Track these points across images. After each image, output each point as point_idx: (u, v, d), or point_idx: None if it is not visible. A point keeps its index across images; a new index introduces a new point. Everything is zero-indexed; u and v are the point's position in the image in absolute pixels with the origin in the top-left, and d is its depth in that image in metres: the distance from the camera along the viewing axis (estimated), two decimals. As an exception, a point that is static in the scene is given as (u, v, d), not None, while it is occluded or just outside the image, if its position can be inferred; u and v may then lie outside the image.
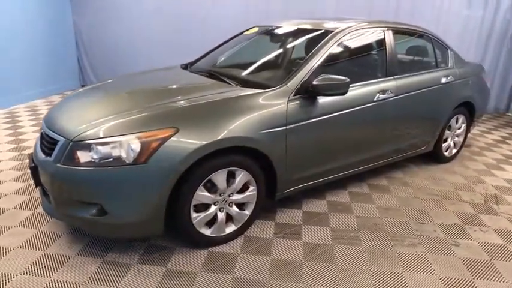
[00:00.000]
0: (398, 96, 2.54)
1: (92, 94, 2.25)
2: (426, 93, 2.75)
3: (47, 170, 1.71)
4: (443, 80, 2.91)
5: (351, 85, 2.20)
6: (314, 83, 1.99)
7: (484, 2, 4.98)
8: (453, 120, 3.15)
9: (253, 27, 3.00)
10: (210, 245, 1.95)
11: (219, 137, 1.73)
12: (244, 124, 1.82)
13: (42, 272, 1.72)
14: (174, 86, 2.25)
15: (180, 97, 1.94)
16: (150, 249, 1.92)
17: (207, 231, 1.90)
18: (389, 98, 2.48)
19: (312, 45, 2.31)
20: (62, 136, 1.72)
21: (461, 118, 3.22)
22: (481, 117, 3.72)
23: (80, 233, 2.02)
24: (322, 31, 2.41)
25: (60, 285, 1.65)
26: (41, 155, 1.80)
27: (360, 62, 2.59)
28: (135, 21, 5.68)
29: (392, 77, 2.55)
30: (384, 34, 2.58)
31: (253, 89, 2.02)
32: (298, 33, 2.65)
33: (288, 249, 1.97)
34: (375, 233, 2.16)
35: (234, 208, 1.96)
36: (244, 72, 2.43)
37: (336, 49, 2.30)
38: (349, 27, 2.40)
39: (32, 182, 2.57)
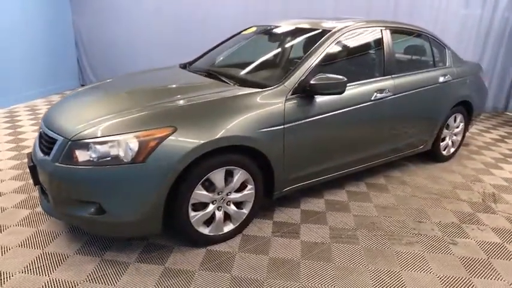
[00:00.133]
0: (395, 96, 2.54)
1: (91, 94, 2.26)
2: (424, 93, 2.76)
3: (45, 169, 1.72)
4: (441, 79, 2.91)
5: (348, 84, 2.22)
6: (311, 82, 2.00)
7: (482, 0, 4.98)
8: (451, 119, 3.16)
9: (251, 27, 3.01)
10: (208, 244, 1.96)
11: (217, 136, 1.74)
12: (242, 123, 1.83)
13: (40, 271, 1.73)
14: (172, 86, 2.26)
15: (178, 96, 1.95)
16: (149, 248, 1.93)
17: (205, 230, 1.91)
18: (386, 97, 2.48)
19: (310, 44, 2.32)
20: (60, 135, 1.73)
21: (459, 117, 3.23)
22: (479, 116, 3.73)
23: (79, 232, 2.03)
24: (320, 30, 2.41)
25: (58, 283, 1.66)
26: (40, 154, 1.81)
27: (358, 61, 2.60)
28: (134, 21, 5.69)
29: (389, 76, 2.56)
30: (382, 33, 2.59)
31: (251, 88, 2.03)
32: (296, 32, 2.65)
33: (286, 248, 1.97)
34: (373, 231, 2.17)
35: (232, 207, 1.97)
36: (242, 72, 2.43)
37: (333, 48, 2.30)
38: (346, 27, 2.40)
39: (31, 181, 2.58)
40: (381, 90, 2.45)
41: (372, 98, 2.39)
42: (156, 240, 1.99)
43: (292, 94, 2.04)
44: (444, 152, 3.27)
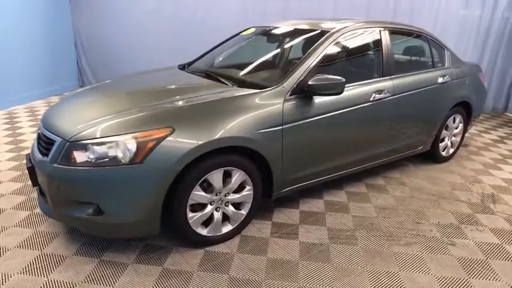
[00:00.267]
0: (394, 96, 2.55)
1: (89, 95, 2.26)
2: (422, 93, 2.76)
3: (44, 170, 1.72)
4: (440, 80, 2.91)
5: (347, 85, 2.22)
6: (310, 82, 2.00)
7: (481, 1, 4.99)
8: (450, 120, 3.16)
9: (250, 28, 3.02)
10: (206, 245, 1.96)
11: (215, 137, 1.74)
12: (240, 124, 1.83)
13: (39, 272, 1.73)
14: (171, 87, 2.27)
15: (176, 97, 1.95)
16: (147, 248, 1.93)
17: (204, 231, 1.91)
18: (385, 97, 2.48)
19: (309, 45, 2.32)
20: (58, 136, 1.73)
21: (458, 118, 3.23)
22: (478, 116, 3.73)
23: (77, 233, 2.03)
24: (319, 31, 2.42)
25: (56, 284, 1.66)
26: (38, 155, 1.81)
27: (356, 62, 2.60)
28: (133, 22, 5.70)
29: (388, 77, 2.56)
30: (380, 34, 2.59)
31: (249, 89, 2.03)
32: (295, 33, 2.66)
33: (285, 249, 1.97)
34: (371, 232, 2.17)
35: (231, 208, 1.97)
36: (241, 73, 2.44)
37: (332, 49, 2.31)
38: (345, 28, 2.41)
39: (29, 182, 2.58)
40: (379, 91, 2.45)
41: (371, 99, 2.40)
42: (154, 241, 1.99)
43: (290, 95, 2.04)
44: (443, 153, 3.27)
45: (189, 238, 1.89)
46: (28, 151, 3.17)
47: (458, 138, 3.36)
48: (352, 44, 2.49)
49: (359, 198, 2.59)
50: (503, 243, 2.12)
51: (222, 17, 5.40)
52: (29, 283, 1.65)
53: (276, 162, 2.00)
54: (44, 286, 1.64)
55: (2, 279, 1.67)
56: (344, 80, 2.00)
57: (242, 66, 2.51)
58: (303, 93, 2.06)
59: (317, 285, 1.71)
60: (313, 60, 2.16)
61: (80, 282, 1.67)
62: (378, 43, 2.58)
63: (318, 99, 2.13)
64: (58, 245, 1.93)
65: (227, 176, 1.89)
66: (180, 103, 1.87)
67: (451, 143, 3.32)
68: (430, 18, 5.08)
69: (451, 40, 5.05)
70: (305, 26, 2.61)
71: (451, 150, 3.35)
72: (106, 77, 4.52)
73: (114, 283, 1.68)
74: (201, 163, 1.74)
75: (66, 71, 5.86)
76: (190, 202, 1.79)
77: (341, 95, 2.13)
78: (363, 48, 2.61)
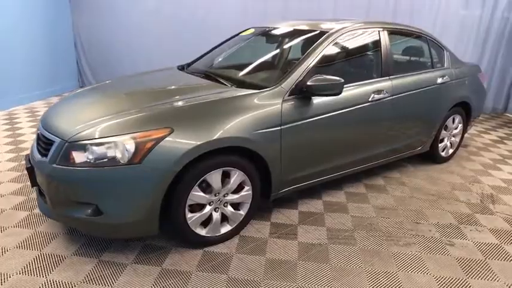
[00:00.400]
0: (393, 97, 2.55)
1: (89, 95, 2.27)
2: (421, 94, 2.76)
3: (43, 170, 1.72)
4: (439, 80, 2.92)
5: (346, 85, 2.23)
6: (308, 83, 2.00)
7: (481, 1, 4.99)
8: (449, 121, 3.16)
9: (249, 29, 3.02)
10: (205, 245, 1.96)
11: (214, 138, 1.74)
12: (239, 124, 1.84)
13: (38, 272, 1.73)
14: (170, 87, 2.27)
15: (175, 98, 1.96)
16: (146, 249, 1.93)
17: (202, 231, 1.91)
18: (384, 98, 2.49)
19: (308, 46, 2.33)
20: (57, 137, 1.73)
21: (457, 118, 3.23)
22: (478, 117, 3.73)
23: (76, 234, 2.04)
24: (318, 32, 2.42)
25: (55, 284, 1.66)
26: (38, 156, 1.81)
27: (355, 62, 2.60)
28: (133, 23, 5.71)
29: (387, 77, 2.57)
30: (379, 35, 2.59)
31: (248, 90, 2.03)
32: (294, 34, 2.66)
33: (283, 249, 1.97)
34: (370, 232, 2.17)
35: (229, 208, 1.97)
36: (240, 73, 2.44)
37: (331, 50, 2.31)
38: (344, 28, 2.41)
39: (29, 182, 2.59)
40: (378, 92, 2.45)
41: (369, 99, 2.40)
42: (153, 241, 2.00)
43: (289, 95, 2.04)
44: (443, 153, 3.27)
45: (187, 238, 1.89)
46: (28, 152, 3.18)
47: (457, 139, 3.36)
48: (351, 44, 2.50)
49: (358, 199, 2.59)
50: (502, 244, 2.12)
51: (222, 17, 5.41)
52: (28, 283, 1.66)
53: (274, 163, 2.01)
54: (43, 286, 1.64)
55: (2, 279, 1.68)
56: (343, 80, 2.01)
57: (241, 67, 2.51)
58: (302, 93, 2.06)
59: (315, 286, 1.71)
60: (311, 61, 2.17)
61: (79, 283, 1.68)
62: (376, 43, 2.58)
63: (317, 100, 2.13)
64: (57, 245, 1.93)
65: (226, 176, 1.89)
66: (179, 103, 1.88)
67: (451, 143, 3.32)
68: (430, 18, 5.08)
69: (451, 40, 5.05)
70: (304, 26, 2.61)
71: (451, 151, 3.35)
72: (106, 77, 4.53)
73: (113, 283, 1.68)
74: (199, 163, 1.75)
75: (66, 72, 5.87)
76: (189, 202, 1.79)
77: (340, 95, 2.13)
78: (362, 49, 2.61)
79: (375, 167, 2.77)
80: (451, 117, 3.15)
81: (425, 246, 2.06)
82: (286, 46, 2.74)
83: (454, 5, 5.04)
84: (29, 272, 1.73)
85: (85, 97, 2.24)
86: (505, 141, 4.13)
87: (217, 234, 1.97)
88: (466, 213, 2.47)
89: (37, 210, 2.25)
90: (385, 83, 2.53)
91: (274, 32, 2.81)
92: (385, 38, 2.61)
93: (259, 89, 2.03)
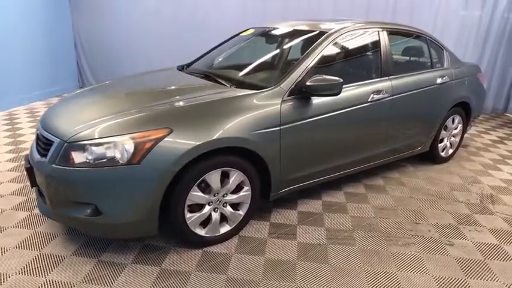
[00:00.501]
0: (392, 97, 2.55)
1: (88, 95, 2.28)
2: (421, 94, 2.76)
3: (42, 170, 1.73)
4: (439, 81, 2.92)
5: (345, 86, 2.23)
6: (307, 83, 2.00)
7: (481, 1, 4.99)
8: (449, 121, 3.16)
9: (249, 29, 3.02)
10: (204, 245, 1.96)
11: (213, 138, 1.74)
12: (238, 125, 1.84)
13: (37, 272, 1.73)
14: (169, 88, 2.27)
15: (174, 98, 1.96)
16: (145, 249, 1.94)
17: (201, 232, 1.91)
18: (383, 98, 2.49)
19: (307, 46, 2.33)
20: (56, 137, 1.74)
21: (457, 118, 3.23)
22: (478, 117, 3.73)
23: (76, 234, 2.04)
24: (317, 32, 2.42)
25: (55, 284, 1.66)
26: (37, 156, 1.82)
27: (355, 62, 2.60)
28: (133, 23, 5.72)
29: (387, 78, 2.57)
30: (379, 35, 2.60)
31: (247, 90, 2.04)
32: (294, 34, 2.66)
33: (282, 249, 1.97)
34: (370, 233, 2.17)
35: (228, 208, 1.97)
36: (239, 74, 2.44)
37: (330, 50, 2.31)
38: (343, 28, 2.41)
39: (29, 183, 2.59)
40: (377, 92, 2.45)
41: (369, 100, 2.40)
42: (152, 241, 2.00)
43: (288, 95, 2.05)
44: (442, 154, 3.27)
45: (187, 238, 1.90)
46: (27, 152, 3.18)
47: (457, 139, 3.36)
48: (350, 44, 2.50)
49: (357, 199, 2.59)
50: (502, 244, 2.12)
51: (221, 17, 5.41)
52: (27, 283, 1.66)
53: (273, 163, 2.01)
54: (42, 286, 1.65)
55: (1, 279, 1.68)
56: (341, 80, 2.01)
57: (241, 67, 2.51)
58: (301, 94, 2.06)
59: (314, 286, 1.71)
60: (311, 61, 2.17)
61: (78, 283, 1.68)
62: (376, 44, 2.59)
63: (316, 100, 2.13)
64: (57, 245, 1.94)
65: (225, 176, 1.89)
66: (178, 104, 1.88)
67: (450, 143, 3.32)
68: (430, 18, 5.08)
69: (451, 40, 5.06)
70: (304, 26, 2.61)
71: (450, 151, 3.35)
72: (106, 77, 4.53)
73: (112, 283, 1.68)
74: (198, 164, 1.75)
75: (66, 72, 5.88)
76: (188, 203, 1.79)
77: (339, 95, 2.13)
78: (361, 49, 2.61)
79: (374, 167, 2.77)
80: (451, 117, 3.15)
81: (424, 247, 2.05)
82: (285, 46, 2.74)
83: (454, 4, 5.04)
84: (29, 272, 1.73)
85: (84, 97, 2.24)
86: (505, 141, 4.13)
87: (216, 235, 1.97)
88: (465, 213, 2.46)
89: (37, 211, 2.25)
90: (384, 83, 2.53)
91: (274, 32, 2.82)
92: (384, 38, 2.61)
93: (259, 89, 2.03)
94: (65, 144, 1.67)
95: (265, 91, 2.02)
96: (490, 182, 2.99)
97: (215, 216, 1.93)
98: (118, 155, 1.62)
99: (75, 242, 1.97)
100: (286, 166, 2.09)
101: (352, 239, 2.10)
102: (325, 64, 2.28)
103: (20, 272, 1.73)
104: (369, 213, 2.40)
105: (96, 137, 1.65)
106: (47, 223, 2.13)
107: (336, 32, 2.36)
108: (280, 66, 2.65)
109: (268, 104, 1.97)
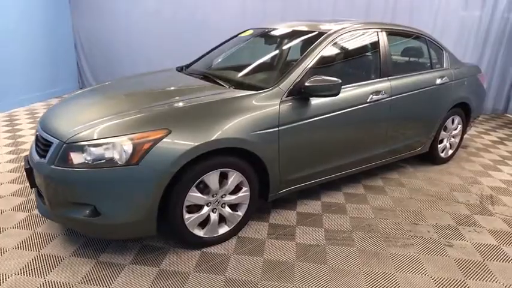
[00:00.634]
0: (392, 97, 2.55)
1: (87, 96, 2.28)
2: (420, 94, 2.76)
3: (41, 171, 1.73)
4: (438, 81, 2.91)
5: (344, 86, 2.23)
6: (306, 84, 2.01)
7: (481, 1, 4.98)
8: (449, 121, 3.15)
9: (248, 30, 3.03)
10: (203, 246, 1.96)
11: (211, 139, 1.74)
12: (236, 125, 1.84)
13: (36, 273, 1.74)
14: (168, 89, 2.28)
15: (173, 99, 1.96)
16: (144, 249, 1.94)
17: (200, 232, 1.92)
18: (382, 99, 2.49)
19: (306, 46, 2.33)
20: (55, 138, 1.74)
21: (457, 119, 3.22)
22: (478, 118, 3.72)
23: (75, 234, 2.04)
24: (316, 33, 2.42)
25: (53, 285, 1.66)
26: (36, 157, 1.82)
27: (354, 63, 2.60)
28: (133, 23, 5.73)
29: (386, 78, 2.57)
30: (378, 35, 2.60)
31: (246, 91, 2.04)
32: (293, 35, 2.66)
33: (281, 250, 1.97)
34: (369, 233, 2.17)
35: (227, 209, 1.97)
36: (238, 74, 2.44)
37: (329, 50, 2.31)
38: (342, 29, 2.41)
39: (28, 184, 2.60)
40: (376, 92, 2.45)
41: (368, 100, 2.40)
42: (151, 242, 2.00)
43: (287, 96, 2.05)
44: (442, 154, 3.27)
45: (185, 239, 1.90)
46: (27, 153, 3.19)
47: (457, 140, 3.36)
48: (349, 45, 2.50)
49: (357, 200, 2.59)
50: (501, 245, 2.12)
51: (221, 18, 5.42)
52: (26, 284, 1.66)
53: (272, 164, 2.01)
54: (41, 287, 1.65)
55: (0, 280, 1.68)
56: (340, 81, 2.01)
57: (239, 68, 2.51)
58: (300, 94, 2.07)
59: (313, 286, 1.71)
60: (310, 62, 2.17)
61: (76, 283, 1.68)
62: (375, 44, 2.59)
63: (315, 101, 2.13)
64: (56, 246, 1.94)
65: (224, 177, 1.89)
66: (177, 105, 1.88)
67: (450, 144, 3.31)
68: (430, 18, 5.08)
69: (451, 40, 5.06)
70: (303, 27, 2.62)
71: (450, 152, 3.34)
72: (106, 78, 4.55)
73: (110, 284, 1.69)
74: (197, 164, 1.75)
75: (66, 73, 5.89)
76: (186, 203, 1.79)
77: (338, 96, 2.13)
78: (361, 50, 2.61)
79: (373, 168, 2.77)
80: (451, 118, 3.15)
81: (423, 247, 2.05)
82: (284, 47, 2.74)
83: (454, 5, 5.03)
84: (28, 272, 1.74)
85: (83, 98, 2.24)
86: (505, 142, 4.12)
87: (215, 235, 1.97)
88: (465, 214, 2.46)
89: (36, 211, 2.26)
90: (383, 84, 2.53)
91: (273, 33, 2.82)
92: (383, 38, 2.61)
93: (258, 90, 2.04)
94: (64, 145, 1.67)
95: (264, 92, 2.02)
96: (489, 182, 2.98)
97: (214, 217, 1.93)
98: (116, 156, 1.63)
99: (74, 243, 1.97)
100: (285, 167, 2.09)
101: (351, 240, 2.09)
102: (324, 65, 2.28)
103: (19, 273, 1.73)
104: (368, 214, 2.40)
105: (95, 137, 1.66)
106: (46, 224, 2.13)
107: (334, 32, 2.36)
108: (279, 67, 2.66)
109: (266, 105, 1.97)
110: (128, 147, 1.63)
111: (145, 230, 1.76)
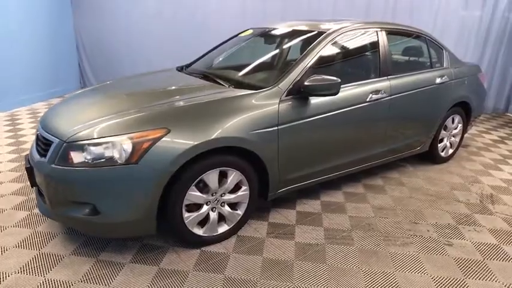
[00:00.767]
0: (391, 97, 2.55)
1: (88, 96, 2.29)
2: (420, 94, 2.76)
3: (41, 170, 1.74)
4: (438, 80, 2.91)
5: (343, 86, 2.23)
6: (305, 83, 2.01)
7: (482, 1, 4.97)
8: (449, 121, 3.15)
9: (248, 30, 3.03)
10: (202, 245, 1.97)
11: (210, 138, 1.75)
12: (236, 125, 1.84)
13: (36, 271, 1.74)
14: (168, 88, 2.29)
15: (172, 98, 1.97)
16: (143, 248, 1.94)
17: (199, 231, 1.92)
18: (382, 98, 2.49)
19: (306, 46, 2.33)
20: (56, 137, 1.75)
21: (457, 118, 3.22)
22: (478, 117, 3.71)
23: (75, 233, 2.05)
24: (316, 32, 2.42)
25: (53, 284, 1.67)
26: (37, 156, 1.83)
27: (353, 62, 2.61)
28: (134, 24, 5.75)
29: (385, 78, 2.56)
30: (377, 35, 2.60)
31: (245, 90, 2.04)
32: (293, 34, 2.67)
33: (280, 249, 1.98)
34: (368, 232, 2.17)
35: (226, 208, 1.98)
36: (238, 74, 2.45)
37: (328, 50, 2.31)
38: (342, 28, 2.41)
39: (29, 183, 2.61)
40: (376, 92, 2.45)
41: (367, 99, 2.40)
42: (151, 241, 2.01)
43: (286, 95, 2.05)
44: (442, 154, 3.26)
45: (185, 238, 1.90)
46: (28, 152, 3.20)
47: (457, 139, 3.35)
48: (349, 44, 2.50)
49: (356, 199, 2.59)
50: (501, 244, 2.11)
51: (221, 18, 5.43)
52: (26, 282, 1.67)
53: (271, 163, 2.01)
54: (41, 285, 1.66)
55: (0, 278, 1.69)
56: (339, 80, 2.01)
57: (239, 68, 2.52)
58: (299, 93, 2.07)
59: (312, 285, 1.72)
60: (309, 61, 2.17)
61: (76, 282, 1.69)
62: (375, 44, 2.59)
63: (314, 100, 2.13)
64: (56, 244, 1.95)
65: (223, 176, 1.90)
66: (176, 104, 1.89)
67: (450, 143, 3.31)
68: (430, 18, 5.07)
69: (452, 40, 5.05)
70: (302, 27, 2.62)
71: (450, 151, 3.34)
72: (107, 78, 4.53)
73: (110, 282, 1.69)
74: (196, 163, 1.75)
75: (68, 73, 5.91)
76: (186, 202, 1.80)
77: (337, 95, 2.13)
78: (360, 49, 2.61)
79: (373, 167, 2.77)
80: (451, 117, 3.15)
81: (423, 247, 2.05)
82: (284, 47, 2.75)
83: (454, 5, 5.03)
84: (28, 271, 1.74)
85: (83, 98, 2.25)
86: (506, 141, 4.11)
87: (214, 234, 1.97)
88: (465, 213, 2.46)
89: (37, 210, 2.27)
90: (383, 83, 2.53)
91: (273, 32, 2.82)
92: (383, 38, 2.61)
93: (257, 90, 2.04)
94: (64, 144, 1.68)
95: (263, 91, 2.03)
96: (490, 182, 2.98)
97: (213, 215, 1.94)
98: (116, 155, 1.63)
99: (74, 242, 1.98)
100: (284, 166, 2.09)
101: (351, 239, 2.09)
102: (324, 64, 2.28)
103: (20, 271, 1.74)
104: (367, 213, 2.40)
105: (95, 137, 1.67)
106: (46, 223, 2.14)
107: (334, 32, 2.37)
108: (279, 67, 2.66)
109: (266, 104, 1.97)
110: (128, 146, 1.63)
111: (144, 228, 1.76)
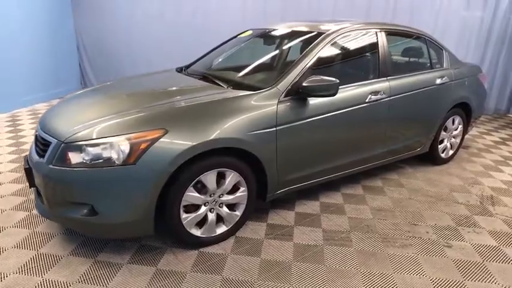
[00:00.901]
0: (391, 98, 2.54)
1: (87, 96, 2.30)
2: (420, 95, 2.75)
3: (40, 171, 1.74)
4: (438, 81, 2.90)
5: (342, 86, 2.23)
6: (304, 84, 2.01)
7: (483, 1, 4.96)
8: (449, 121, 3.14)
9: (247, 30, 3.03)
10: (200, 246, 1.97)
11: (208, 139, 1.75)
12: (234, 125, 1.84)
13: (34, 272, 1.75)
14: (167, 89, 2.29)
15: (171, 99, 1.97)
16: (141, 249, 1.94)
17: (197, 232, 1.92)
18: (381, 99, 2.48)
19: (305, 47, 2.33)
20: (54, 138, 1.75)
21: (457, 119, 3.21)
22: (479, 118, 3.70)
23: (74, 234, 2.05)
24: (315, 33, 2.42)
25: (51, 284, 1.67)
26: (35, 157, 1.84)
27: (352, 63, 2.60)
28: (135, 25, 5.76)
29: (385, 78, 2.56)
30: (377, 36, 2.59)
31: (244, 91, 2.04)
32: (292, 35, 2.67)
33: (279, 250, 1.97)
34: (367, 234, 2.16)
35: (225, 209, 1.98)
36: (237, 75, 2.45)
37: (327, 51, 2.31)
38: (341, 29, 2.41)
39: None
40: (375, 92, 2.45)
41: (366, 100, 2.39)
42: (148, 241, 2.01)
43: (285, 96, 2.05)
44: (442, 155, 3.25)
45: (183, 239, 1.90)
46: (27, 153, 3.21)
47: (457, 140, 3.34)
48: (348, 45, 2.49)
49: (355, 200, 2.58)
50: (501, 246, 2.10)
51: (222, 19, 5.43)
52: (24, 282, 1.68)
53: (270, 164, 2.01)
54: (39, 285, 1.66)
55: (-2, 279, 1.70)
56: (338, 81, 2.01)
57: (238, 69, 2.52)
58: (298, 94, 2.07)
59: (310, 287, 1.71)
60: (308, 62, 2.17)
61: (74, 282, 1.69)
62: (374, 44, 2.58)
63: (313, 101, 2.13)
64: (54, 245, 1.95)
65: (221, 177, 1.90)
66: (175, 105, 1.89)
67: (451, 144, 3.29)
68: (431, 18, 5.06)
69: (453, 41, 5.03)
70: (302, 27, 2.62)
71: (451, 152, 3.33)
72: (108, 79, 4.55)
73: (108, 283, 1.69)
74: (194, 164, 1.75)
75: (69, 74, 5.93)
76: (183, 203, 1.80)
77: (336, 96, 2.13)
78: (359, 50, 2.61)
79: (373, 168, 2.76)
80: (451, 118, 3.13)
81: (422, 248, 2.04)
82: (283, 47, 2.75)
83: (456, 5, 5.01)
84: (26, 271, 1.75)
85: (82, 98, 2.26)
86: (507, 142, 4.10)
87: (212, 235, 1.97)
88: (464, 215, 2.44)
89: (36, 211, 2.27)
90: (382, 84, 2.52)
91: (272, 33, 2.82)
92: (382, 38, 2.61)
93: (255, 90, 2.04)
94: (62, 144, 1.69)
95: (262, 92, 2.03)
96: (490, 183, 2.96)
97: (211, 216, 1.93)
98: (114, 156, 1.64)
99: (72, 242, 1.98)
100: (283, 167, 2.09)
101: (349, 240, 2.09)
102: (323, 65, 2.28)
103: (18, 272, 1.74)
104: (366, 214, 2.39)
105: (93, 137, 1.67)
106: (45, 223, 2.15)
107: (333, 32, 2.36)
108: (278, 68, 2.66)
109: (264, 105, 1.97)
110: (125, 147, 1.63)
111: (142, 229, 1.76)
